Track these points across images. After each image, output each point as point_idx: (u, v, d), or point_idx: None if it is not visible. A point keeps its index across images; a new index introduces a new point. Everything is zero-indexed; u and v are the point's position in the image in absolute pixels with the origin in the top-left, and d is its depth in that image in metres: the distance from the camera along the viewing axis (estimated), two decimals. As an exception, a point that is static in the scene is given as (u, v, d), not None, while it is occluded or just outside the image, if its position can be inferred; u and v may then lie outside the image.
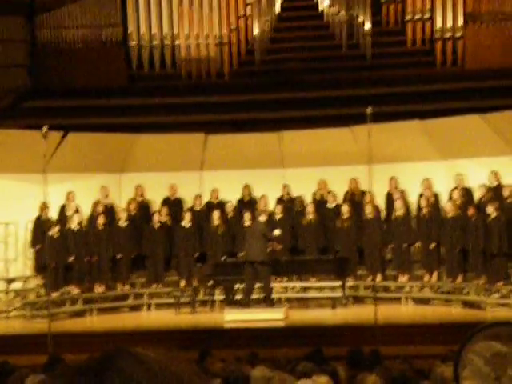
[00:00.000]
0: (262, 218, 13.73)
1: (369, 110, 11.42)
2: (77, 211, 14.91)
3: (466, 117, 14.39)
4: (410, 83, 16.19)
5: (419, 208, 14.74)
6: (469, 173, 14.69)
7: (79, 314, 14.35)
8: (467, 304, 13.60)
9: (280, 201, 15.48)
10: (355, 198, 15.32)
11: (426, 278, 14.46)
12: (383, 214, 15.09)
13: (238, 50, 17.20)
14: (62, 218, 14.83)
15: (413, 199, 15.15)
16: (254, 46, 17.14)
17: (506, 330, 2.05)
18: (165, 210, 15.31)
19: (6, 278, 14.67)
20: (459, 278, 13.93)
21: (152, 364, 1.22)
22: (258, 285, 13.64)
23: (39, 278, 14.65)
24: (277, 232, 13.47)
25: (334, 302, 14.00)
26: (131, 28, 17.22)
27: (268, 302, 13.30)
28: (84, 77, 16.92)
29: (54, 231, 14.19)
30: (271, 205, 15.40)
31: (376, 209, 14.59)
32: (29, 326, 13.29)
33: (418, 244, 14.64)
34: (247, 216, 14.68)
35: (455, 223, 13.89)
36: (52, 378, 1.29)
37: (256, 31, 17.12)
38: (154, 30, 17.24)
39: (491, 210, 13.38)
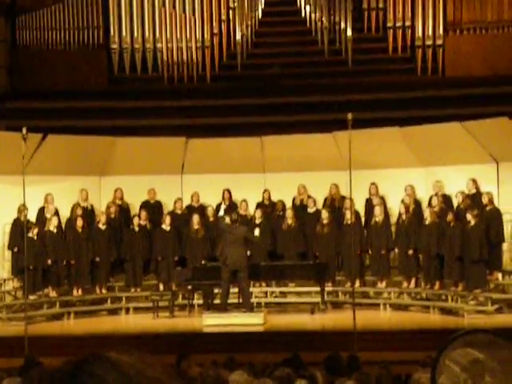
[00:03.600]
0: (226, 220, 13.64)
1: (349, 115, 11.44)
2: (55, 214, 14.82)
3: (445, 124, 14.46)
4: (390, 90, 16.27)
5: (399, 214, 14.78)
6: (448, 180, 14.76)
7: (56, 317, 14.26)
8: (445, 311, 13.65)
9: (260, 205, 15.48)
10: (335, 204, 15.35)
11: (405, 284, 14.51)
12: (363, 219, 15.13)
13: (219, 54, 17.21)
14: (41, 220, 14.74)
15: (392, 205, 15.20)
16: (235, 50, 17.15)
17: (483, 337, 2.05)
18: (144, 214, 15.25)
19: (-17, 281, 14.55)
20: (437, 285, 13.98)
21: (126, 368, 1.21)
22: (236, 289, 13.62)
23: (16, 280, 14.53)
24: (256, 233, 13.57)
25: (312, 308, 14.01)
26: (113, 31, 17.17)
27: (247, 306, 13.26)
28: (64, 79, 16.85)
29: (33, 233, 14.09)
30: (251, 209, 15.40)
31: (356, 214, 14.61)
32: (5, 329, 13.17)
33: (396, 250, 14.70)
34: (227, 220, 14.65)
35: (432, 230, 13.94)
36: (28, 382, 1.28)
37: (238, 36, 17.13)
38: (136, 33, 17.21)
39: (470, 217, 13.43)
